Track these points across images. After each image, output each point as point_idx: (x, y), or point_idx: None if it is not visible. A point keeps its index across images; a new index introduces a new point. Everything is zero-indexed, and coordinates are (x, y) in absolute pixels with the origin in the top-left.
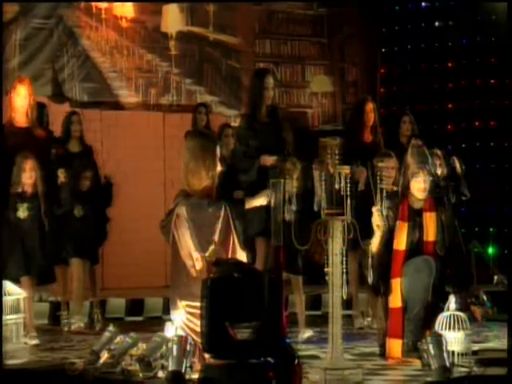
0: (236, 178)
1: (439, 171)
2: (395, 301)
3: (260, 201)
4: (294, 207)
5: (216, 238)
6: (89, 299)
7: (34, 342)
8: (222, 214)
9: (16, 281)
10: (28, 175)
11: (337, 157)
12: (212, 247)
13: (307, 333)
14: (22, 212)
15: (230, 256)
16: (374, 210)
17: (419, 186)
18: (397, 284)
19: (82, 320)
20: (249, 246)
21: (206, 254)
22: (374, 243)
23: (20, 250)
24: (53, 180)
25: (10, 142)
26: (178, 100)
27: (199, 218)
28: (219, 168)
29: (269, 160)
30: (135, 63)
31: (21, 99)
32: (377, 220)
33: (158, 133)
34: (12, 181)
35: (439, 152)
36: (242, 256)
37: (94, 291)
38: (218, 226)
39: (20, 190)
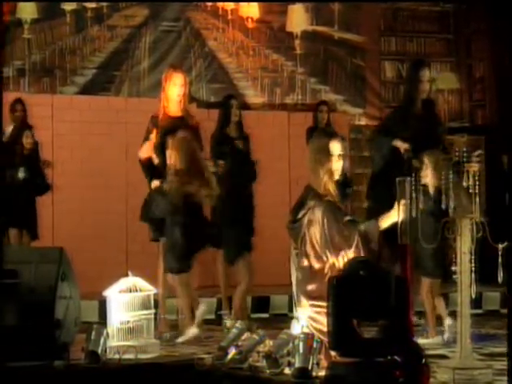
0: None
1: None
2: None
3: (394, 217)
4: (420, 205)
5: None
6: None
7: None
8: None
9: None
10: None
11: (464, 154)
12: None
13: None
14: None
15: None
16: None
17: None
18: None
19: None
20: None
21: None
22: None
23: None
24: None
25: (164, 131)
26: (302, 99)
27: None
28: (336, 164)
29: (402, 145)
30: (261, 63)
31: (177, 88)
32: None
33: (283, 132)
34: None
35: None
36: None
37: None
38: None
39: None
